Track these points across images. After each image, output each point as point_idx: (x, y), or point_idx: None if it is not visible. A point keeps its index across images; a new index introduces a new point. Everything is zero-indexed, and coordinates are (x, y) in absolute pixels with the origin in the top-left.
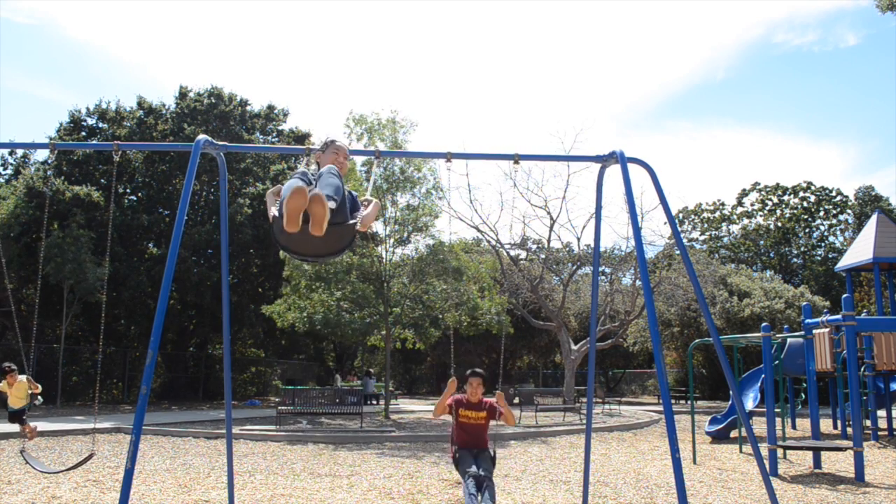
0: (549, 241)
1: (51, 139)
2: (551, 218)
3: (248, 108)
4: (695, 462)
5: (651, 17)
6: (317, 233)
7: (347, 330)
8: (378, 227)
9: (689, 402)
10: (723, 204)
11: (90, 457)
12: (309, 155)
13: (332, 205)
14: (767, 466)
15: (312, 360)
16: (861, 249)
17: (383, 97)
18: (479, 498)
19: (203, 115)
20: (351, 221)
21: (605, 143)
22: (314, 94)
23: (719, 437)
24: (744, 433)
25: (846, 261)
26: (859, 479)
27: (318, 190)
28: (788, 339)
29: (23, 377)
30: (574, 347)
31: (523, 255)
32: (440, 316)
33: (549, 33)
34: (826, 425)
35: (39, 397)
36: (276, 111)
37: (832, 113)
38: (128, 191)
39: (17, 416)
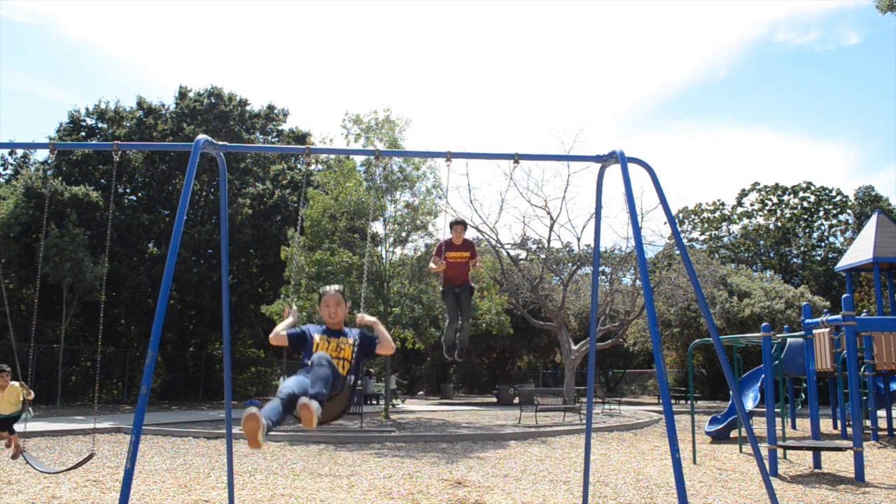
0: (549, 241)
1: (50, 139)
2: (551, 218)
3: (248, 108)
4: (695, 462)
5: (652, 16)
6: (309, 428)
7: None
8: (378, 227)
9: (689, 402)
10: (723, 204)
11: (90, 457)
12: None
13: (317, 408)
14: (767, 466)
15: None
16: (861, 249)
17: (383, 97)
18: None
19: (203, 115)
20: (349, 382)
21: (605, 143)
22: (314, 94)
23: (719, 437)
24: (744, 433)
25: (846, 261)
26: (859, 479)
27: (305, 400)
28: (788, 339)
29: (16, 382)
30: (574, 347)
31: (523, 255)
32: (440, 316)
33: (550, 33)
34: (826, 425)
35: (30, 410)
36: (275, 111)
37: (833, 113)
38: (128, 191)
39: (5, 424)
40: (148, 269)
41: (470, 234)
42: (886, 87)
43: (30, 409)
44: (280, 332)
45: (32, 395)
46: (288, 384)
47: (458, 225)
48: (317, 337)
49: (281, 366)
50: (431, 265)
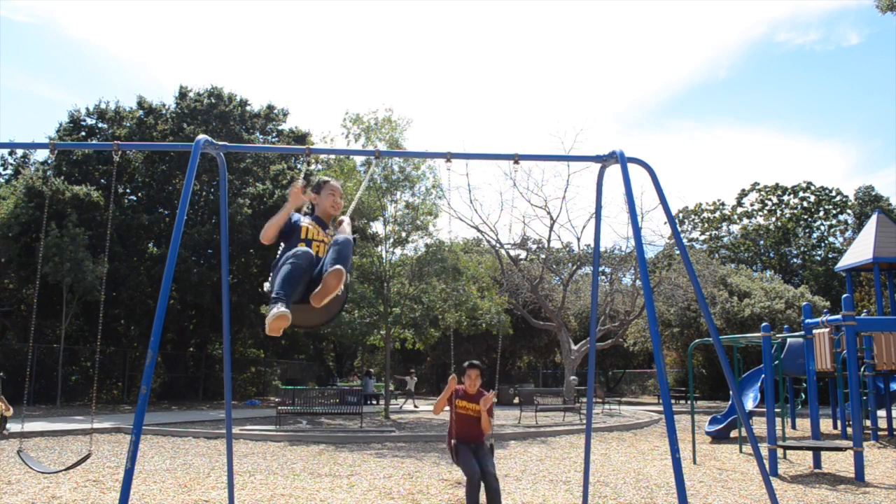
0: (549, 241)
1: (51, 139)
2: (551, 218)
3: (248, 108)
4: (695, 462)
5: (653, 16)
6: (317, 305)
7: (347, 330)
8: (377, 226)
9: (689, 402)
10: (723, 204)
11: (87, 457)
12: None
13: (343, 286)
14: (767, 466)
15: (312, 360)
16: (861, 249)
17: (383, 97)
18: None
19: (203, 115)
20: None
21: (605, 143)
22: (314, 94)
23: (719, 437)
24: (744, 433)
25: (846, 261)
26: (859, 479)
27: (339, 266)
28: (788, 339)
29: None
30: (574, 347)
31: (523, 255)
32: (440, 316)
33: (550, 33)
34: (826, 425)
35: (9, 426)
36: (275, 111)
37: (834, 112)
38: (128, 191)
39: None
40: (148, 269)
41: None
42: (886, 87)
43: (8, 426)
44: (273, 223)
45: (11, 411)
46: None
47: (472, 370)
48: (305, 221)
49: (281, 366)
50: (435, 408)
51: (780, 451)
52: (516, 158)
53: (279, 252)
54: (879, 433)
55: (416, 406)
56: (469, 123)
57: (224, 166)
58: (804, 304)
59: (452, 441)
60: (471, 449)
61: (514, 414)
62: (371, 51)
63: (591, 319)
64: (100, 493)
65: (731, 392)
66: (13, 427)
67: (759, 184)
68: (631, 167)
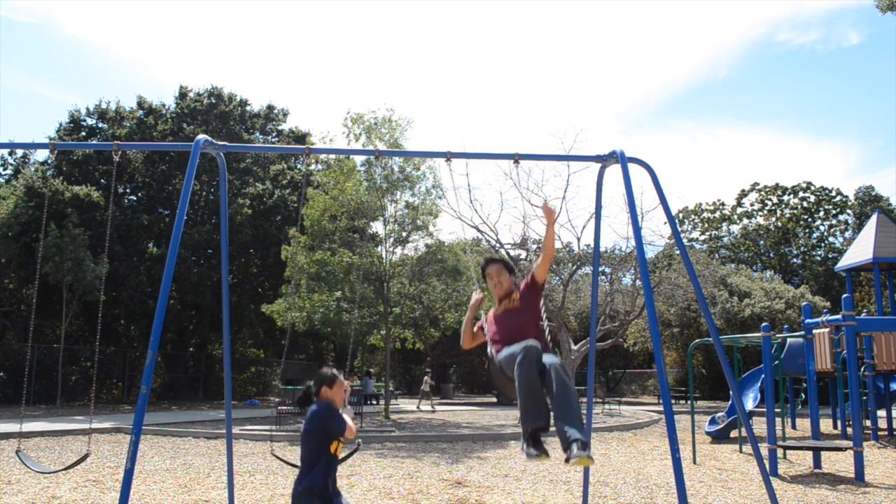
0: None
1: (51, 139)
2: None
3: (248, 108)
4: (695, 462)
5: (653, 15)
6: None
7: (347, 330)
8: (377, 226)
9: (689, 402)
10: (723, 204)
11: (86, 457)
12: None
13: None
14: (767, 466)
15: (312, 360)
16: (861, 249)
17: (383, 97)
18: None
19: (203, 115)
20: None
21: (605, 143)
22: (314, 94)
23: (719, 437)
24: (744, 433)
25: (846, 261)
26: (859, 479)
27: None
28: (788, 340)
29: None
30: (574, 347)
31: (523, 255)
32: (440, 316)
33: (550, 32)
34: (826, 425)
35: None
36: (275, 111)
37: (834, 112)
38: (128, 191)
39: None
40: (148, 269)
41: (470, 233)
42: (887, 86)
43: None
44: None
45: None
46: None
47: (494, 265)
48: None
49: (280, 366)
50: (463, 340)
51: (780, 451)
52: (516, 158)
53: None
54: (879, 433)
55: (433, 408)
56: (469, 123)
57: (224, 166)
58: (804, 304)
59: (493, 351)
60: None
61: (514, 414)
62: (372, 51)
63: (591, 319)
64: (100, 493)
65: (731, 392)
66: (13, 427)
67: (759, 184)
68: (631, 167)
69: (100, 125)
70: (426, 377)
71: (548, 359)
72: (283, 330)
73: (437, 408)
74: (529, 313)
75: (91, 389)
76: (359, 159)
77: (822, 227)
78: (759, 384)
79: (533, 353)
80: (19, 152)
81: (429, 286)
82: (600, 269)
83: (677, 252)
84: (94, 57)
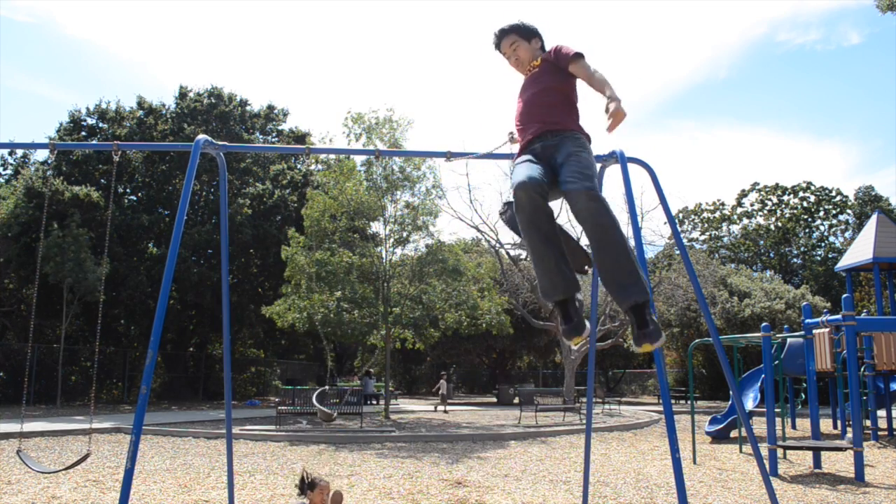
0: None
1: (51, 139)
2: None
3: (248, 108)
4: (695, 462)
5: (653, 16)
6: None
7: (347, 330)
8: (377, 226)
9: (689, 402)
10: (723, 204)
11: (86, 457)
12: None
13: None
14: (767, 466)
15: (312, 360)
16: (861, 249)
17: (383, 96)
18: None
19: (203, 115)
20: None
21: (605, 143)
22: (314, 94)
23: (719, 437)
24: (744, 433)
25: (846, 261)
26: (859, 479)
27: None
28: (788, 340)
29: None
30: (574, 347)
31: (523, 255)
32: (440, 316)
33: (550, 33)
34: (826, 425)
35: None
36: (275, 111)
37: (834, 112)
38: (128, 191)
39: None
40: (148, 270)
41: (469, 233)
42: (887, 87)
43: None
44: None
45: None
46: None
47: (506, 38)
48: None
49: (281, 366)
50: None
51: (780, 451)
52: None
53: None
54: (879, 433)
55: (446, 410)
56: (469, 123)
57: (224, 166)
58: (804, 304)
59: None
60: (538, 153)
61: (514, 414)
62: (372, 51)
63: (591, 319)
64: (100, 493)
65: (731, 392)
66: (13, 427)
67: (759, 184)
68: (631, 167)
69: (100, 125)
70: (442, 380)
71: (574, 188)
72: (283, 330)
73: (437, 408)
74: (552, 76)
75: (91, 389)
76: (359, 159)
77: (822, 227)
78: (759, 384)
79: (531, 188)
80: (19, 152)
81: (429, 286)
82: None
83: (677, 252)
84: (94, 57)
